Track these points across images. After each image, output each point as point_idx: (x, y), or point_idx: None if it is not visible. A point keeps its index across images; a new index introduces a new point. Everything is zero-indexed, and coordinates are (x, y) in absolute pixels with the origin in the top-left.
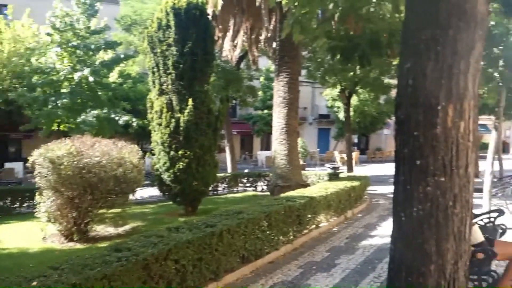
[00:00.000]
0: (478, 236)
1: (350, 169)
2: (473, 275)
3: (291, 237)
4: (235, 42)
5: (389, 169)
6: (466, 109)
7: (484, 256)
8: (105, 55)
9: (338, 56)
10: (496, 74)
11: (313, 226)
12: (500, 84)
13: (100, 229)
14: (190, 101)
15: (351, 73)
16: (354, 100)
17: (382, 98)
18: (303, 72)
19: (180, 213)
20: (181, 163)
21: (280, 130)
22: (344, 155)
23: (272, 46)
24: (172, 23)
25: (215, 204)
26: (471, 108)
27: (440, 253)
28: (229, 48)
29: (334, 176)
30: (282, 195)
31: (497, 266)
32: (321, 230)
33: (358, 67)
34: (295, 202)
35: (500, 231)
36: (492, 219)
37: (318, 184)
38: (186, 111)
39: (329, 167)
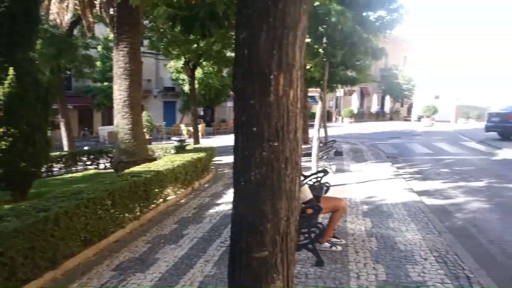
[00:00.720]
0: (307, 194)
1: (196, 141)
2: (304, 229)
3: (138, 213)
4: (65, 4)
5: (233, 140)
6: (294, 79)
7: (313, 211)
8: None
9: (179, 26)
10: (320, 50)
11: (161, 200)
12: (324, 59)
13: None
14: (11, 71)
15: (195, 45)
16: (198, 72)
17: (225, 71)
18: (146, 42)
19: (6, 199)
20: (3, 143)
21: (122, 103)
22: (191, 128)
23: (109, 12)
24: None
25: (50, 186)
26: (298, 77)
27: (275, 211)
28: (57, 11)
29: (180, 148)
30: (127, 171)
31: (323, 218)
32: (169, 203)
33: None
34: (141, 177)
35: (325, 188)
36: (319, 179)
37: (164, 157)
38: (7, 82)
39: (175, 140)
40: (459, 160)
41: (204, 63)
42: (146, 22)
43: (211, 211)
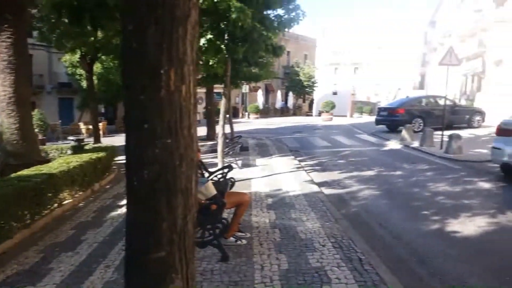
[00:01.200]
0: (211, 190)
1: (97, 140)
2: (208, 225)
3: (28, 221)
4: None
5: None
6: (186, 74)
7: (217, 207)
8: None
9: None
10: (222, 47)
11: (55, 205)
12: (226, 55)
13: None
14: None
15: (92, 38)
16: (97, 67)
17: None
18: (36, 34)
19: None
20: None
21: (7, 100)
22: (91, 126)
23: None
24: None
25: None
26: (191, 72)
27: (171, 210)
28: None
29: (78, 148)
30: (14, 175)
31: (229, 214)
32: (65, 207)
33: (99, 32)
34: (30, 182)
35: (230, 183)
36: (224, 174)
37: (59, 159)
38: None
39: (72, 140)
40: (353, 151)
41: (103, 57)
42: (34, 11)
43: (113, 213)
